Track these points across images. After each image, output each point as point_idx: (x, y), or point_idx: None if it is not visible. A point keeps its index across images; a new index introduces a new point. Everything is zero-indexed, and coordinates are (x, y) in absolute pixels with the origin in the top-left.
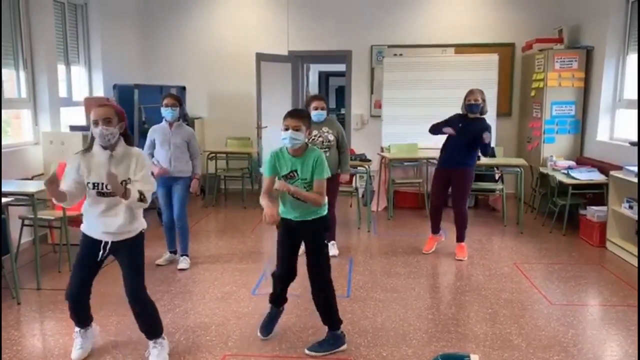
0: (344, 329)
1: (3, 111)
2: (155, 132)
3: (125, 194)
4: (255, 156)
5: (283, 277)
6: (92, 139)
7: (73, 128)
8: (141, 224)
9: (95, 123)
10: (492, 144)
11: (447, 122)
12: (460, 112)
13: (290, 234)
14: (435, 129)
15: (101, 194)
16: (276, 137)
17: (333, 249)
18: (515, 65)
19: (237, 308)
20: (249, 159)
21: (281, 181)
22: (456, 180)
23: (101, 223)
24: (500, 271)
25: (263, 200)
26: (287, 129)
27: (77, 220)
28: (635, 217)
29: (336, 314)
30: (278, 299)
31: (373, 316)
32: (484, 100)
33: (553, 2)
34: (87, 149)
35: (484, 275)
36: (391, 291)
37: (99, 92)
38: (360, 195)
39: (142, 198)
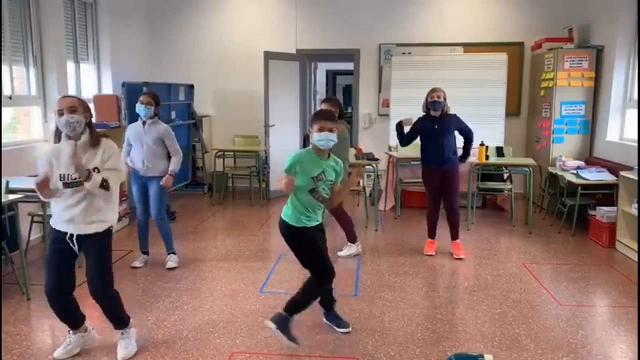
0: (352, 328)
1: (13, 108)
2: (129, 131)
3: (88, 177)
4: (262, 154)
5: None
6: (58, 133)
7: None
8: (110, 219)
9: (60, 113)
10: (501, 144)
11: (417, 128)
12: (421, 115)
13: (315, 236)
14: (401, 137)
15: (67, 184)
16: (283, 136)
17: (344, 250)
18: (524, 65)
19: (245, 305)
20: (257, 157)
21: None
22: (449, 178)
23: (67, 215)
24: (508, 271)
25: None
26: (321, 130)
27: None
28: None
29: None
30: (327, 301)
31: (380, 315)
32: (445, 99)
33: (563, 1)
34: (56, 141)
35: (492, 275)
36: (399, 290)
37: (108, 89)
38: (367, 195)
39: (104, 185)
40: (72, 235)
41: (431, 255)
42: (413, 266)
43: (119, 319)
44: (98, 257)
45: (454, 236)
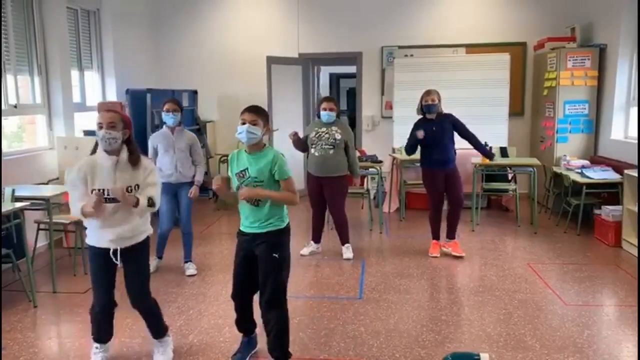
0: (356, 331)
1: (18, 117)
2: (157, 139)
3: (136, 203)
4: None
5: (236, 295)
6: (97, 143)
7: (87, 133)
8: (147, 229)
9: (100, 126)
10: (505, 144)
11: (418, 130)
12: (419, 117)
13: (245, 248)
14: (412, 145)
15: (106, 199)
16: (287, 140)
17: (348, 252)
18: (527, 65)
19: None
20: None
21: (246, 189)
22: (453, 179)
23: (107, 230)
24: (514, 272)
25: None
26: (243, 123)
27: None
28: None
29: (287, 344)
30: (242, 325)
31: (385, 317)
32: (439, 101)
33: (565, 1)
34: (92, 152)
35: (497, 275)
36: (404, 292)
37: (112, 97)
38: (372, 197)
39: (150, 203)
40: (115, 250)
41: (436, 256)
42: (418, 268)
43: (159, 328)
44: (139, 268)
45: (452, 235)
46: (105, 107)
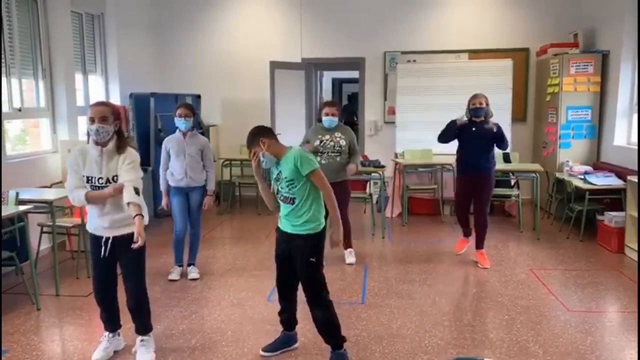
0: (359, 336)
1: (22, 120)
2: (169, 143)
3: (139, 209)
4: None
5: (280, 297)
6: (89, 135)
7: None
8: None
9: (92, 120)
10: (508, 150)
11: (459, 132)
12: (462, 118)
13: (283, 249)
14: (446, 134)
15: (94, 187)
16: (289, 144)
17: (350, 257)
18: (530, 70)
19: (253, 314)
20: None
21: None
22: (480, 187)
23: (98, 218)
24: (516, 277)
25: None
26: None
27: None
28: None
29: (338, 333)
30: (282, 317)
31: (388, 323)
32: (487, 104)
33: (568, 7)
34: (88, 142)
35: (500, 281)
36: (406, 298)
37: (116, 100)
38: (374, 202)
39: (137, 192)
40: (107, 238)
41: (459, 254)
42: (420, 273)
43: (146, 326)
44: (134, 265)
45: (479, 245)
46: (95, 102)
